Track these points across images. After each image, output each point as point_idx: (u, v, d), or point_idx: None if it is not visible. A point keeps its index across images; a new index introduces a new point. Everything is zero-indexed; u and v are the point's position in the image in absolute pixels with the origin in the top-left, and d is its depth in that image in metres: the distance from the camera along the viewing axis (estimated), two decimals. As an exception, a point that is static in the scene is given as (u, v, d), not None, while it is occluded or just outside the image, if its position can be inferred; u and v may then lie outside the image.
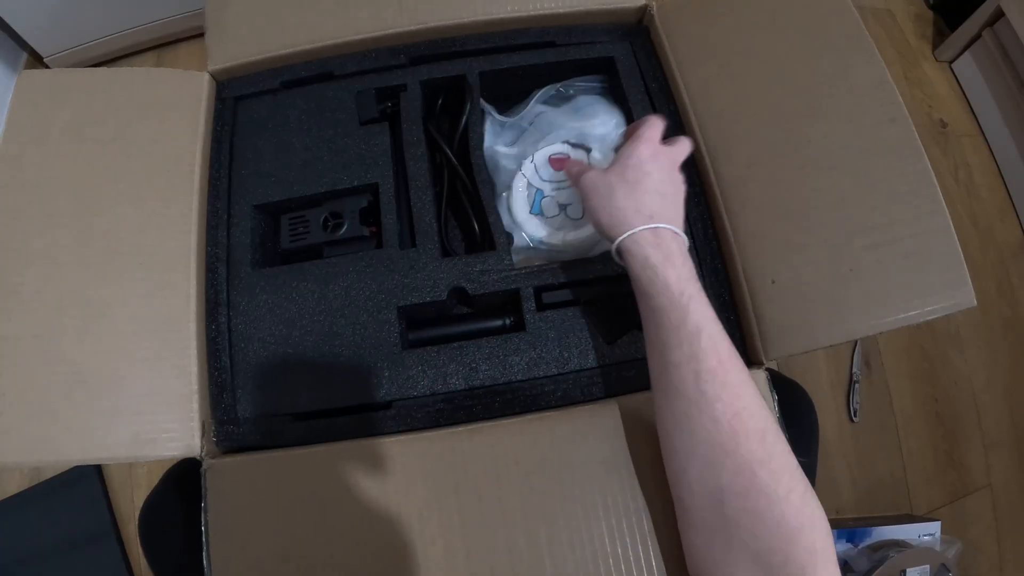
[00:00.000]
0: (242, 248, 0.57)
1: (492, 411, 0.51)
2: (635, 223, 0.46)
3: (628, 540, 0.47)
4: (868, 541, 1.02)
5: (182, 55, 1.37)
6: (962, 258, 0.50)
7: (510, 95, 0.65)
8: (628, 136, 0.54)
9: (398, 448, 0.48)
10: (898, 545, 0.99)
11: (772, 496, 0.37)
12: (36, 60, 1.30)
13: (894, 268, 0.50)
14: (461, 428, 0.48)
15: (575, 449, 0.48)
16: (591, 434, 0.48)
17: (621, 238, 0.46)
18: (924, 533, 1.02)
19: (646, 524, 0.47)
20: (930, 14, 1.40)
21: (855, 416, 1.15)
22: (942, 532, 1.03)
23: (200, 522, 0.48)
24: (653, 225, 0.45)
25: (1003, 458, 1.16)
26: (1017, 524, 1.14)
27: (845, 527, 1.03)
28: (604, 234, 0.48)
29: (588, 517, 0.47)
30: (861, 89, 0.55)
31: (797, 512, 0.37)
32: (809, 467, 0.62)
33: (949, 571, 0.97)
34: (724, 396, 0.39)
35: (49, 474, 1.12)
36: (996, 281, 1.20)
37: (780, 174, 0.54)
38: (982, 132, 1.32)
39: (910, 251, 0.51)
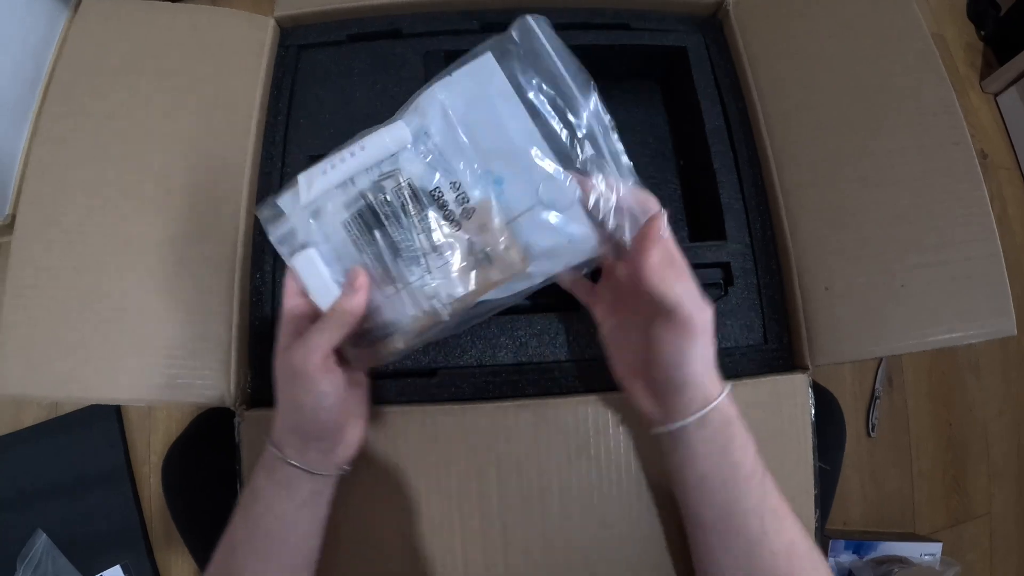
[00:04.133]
0: (294, 199, 0.56)
1: (539, 389, 0.50)
2: (719, 379, 0.41)
3: (662, 527, 0.47)
4: (873, 554, 1.05)
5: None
6: (1008, 287, 0.51)
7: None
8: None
9: (441, 417, 0.47)
10: (901, 561, 1.01)
11: None
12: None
13: (943, 289, 0.51)
14: (506, 403, 0.48)
15: (618, 435, 0.48)
16: (636, 421, 0.48)
17: (722, 397, 0.40)
18: (926, 553, 1.04)
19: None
20: (981, 44, 1.40)
21: (872, 431, 1.17)
22: (942, 553, 1.05)
23: (227, 473, 0.48)
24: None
25: (1005, 489, 1.18)
26: (1010, 555, 1.16)
27: (852, 539, 1.06)
28: (681, 384, 0.39)
29: (623, 501, 0.47)
30: (929, 110, 0.55)
31: None
32: (831, 476, 0.63)
33: (946, 592, 0.98)
34: (782, 530, 0.40)
35: (68, 409, 1.11)
36: (1018, 316, 1.20)
37: (843, 184, 0.54)
38: (1019, 167, 1.33)
39: (960, 274, 0.51)
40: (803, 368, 0.51)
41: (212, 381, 0.50)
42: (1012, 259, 1.25)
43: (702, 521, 0.42)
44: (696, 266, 0.53)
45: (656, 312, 0.38)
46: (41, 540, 1.03)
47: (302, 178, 0.40)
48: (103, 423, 1.11)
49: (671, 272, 0.38)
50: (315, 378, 0.38)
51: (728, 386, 0.41)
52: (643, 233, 0.38)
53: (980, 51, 1.39)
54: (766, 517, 0.40)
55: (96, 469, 1.08)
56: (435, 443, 0.47)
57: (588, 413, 0.48)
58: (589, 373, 0.51)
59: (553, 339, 0.52)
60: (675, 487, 0.43)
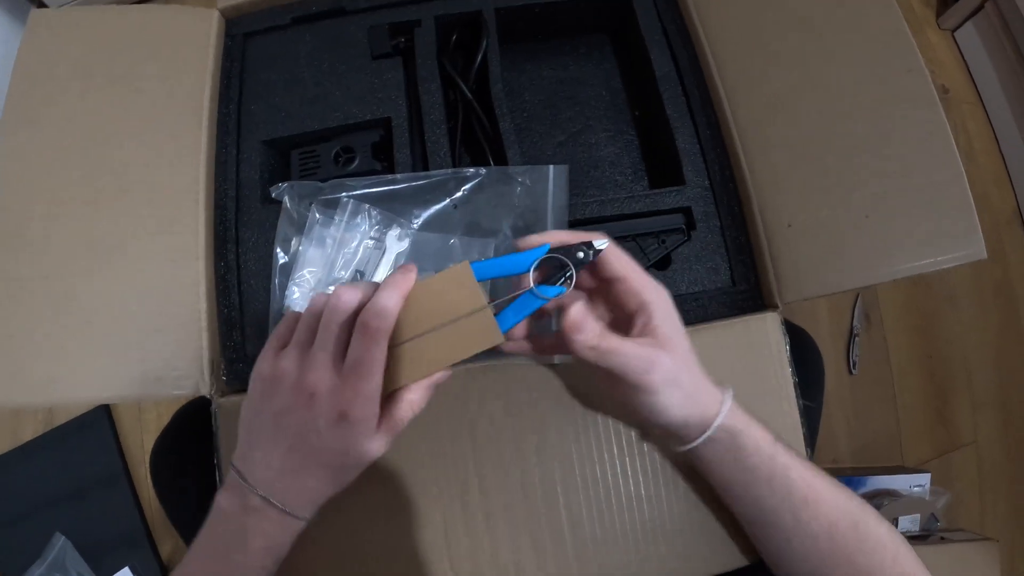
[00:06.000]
0: (251, 184, 0.56)
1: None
2: (716, 394, 0.40)
3: (641, 477, 0.47)
4: (863, 490, 1.06)
5: (189, -1, 1.34)
6: (974, 209, 0.50)
7: (525, 34, 0.64)
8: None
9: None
10: (891, 495, 1.03)
11: (871, 571, 0.40)
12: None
13: (909, 216, 0.51)
14: (477, 365, 0.48)
15: (592, 389, 0.48)
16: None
17: (721, 419, 0.39)
18: (915, 484, 1.06)
19: (659, 462, 0.47)
20: (935, -19, 1.40)
21: (854, 368, 1.18)
22: (931, 483, 1.07)
23: (211, 460, 0.48)
24: (729, 387, 0.41)
25: (989, 418, 1.20)
26: (998, 481, 1.18)
27: (842, 476, 1.07)
28: (683, 427, 0.39)
29: (603, 455, 0.47)
30: (879, 37, 0.55)
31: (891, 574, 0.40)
32: (815, 412, 0.63)
33: (937, 521, 1.00)
34: (818, 514, 0.40)
35: (61, 420, 1.14)
36: (990, 246, 1.20)
37: (797, 118, 0.54)
38: (981, 100, 1.34)
39: (924, 200, 0.51)
40: (773, 307, 0.51)
41: (186, 372, 0.50)
42: (979, 191, 1.27)
43: (738, 517, 0.44)
44: (657, 213, 0.54)
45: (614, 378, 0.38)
46: (60, 542, 1.06)
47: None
48: (96, 430, 1.13)
49: (607, 344, 0.36)
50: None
51: (727, 400, 0.40)
52: (568, 326, 0.36)
53: (935, -12, 1.40)
54: (797, 508, 0.40)
55: (95, 475, 1.11)
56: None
57: (560, 370, 0.48)
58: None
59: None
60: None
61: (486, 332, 0.35)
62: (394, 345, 0.35)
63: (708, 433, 0.39)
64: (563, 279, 0.37)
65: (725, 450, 0.40)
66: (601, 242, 0.37)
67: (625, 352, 0.36)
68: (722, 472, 0.41)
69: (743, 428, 0.40)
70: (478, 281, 0.36)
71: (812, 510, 0.40)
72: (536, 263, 0.37)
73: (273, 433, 0.35)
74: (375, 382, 0.34)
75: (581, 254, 0.37)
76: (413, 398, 0.36)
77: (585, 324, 0.37)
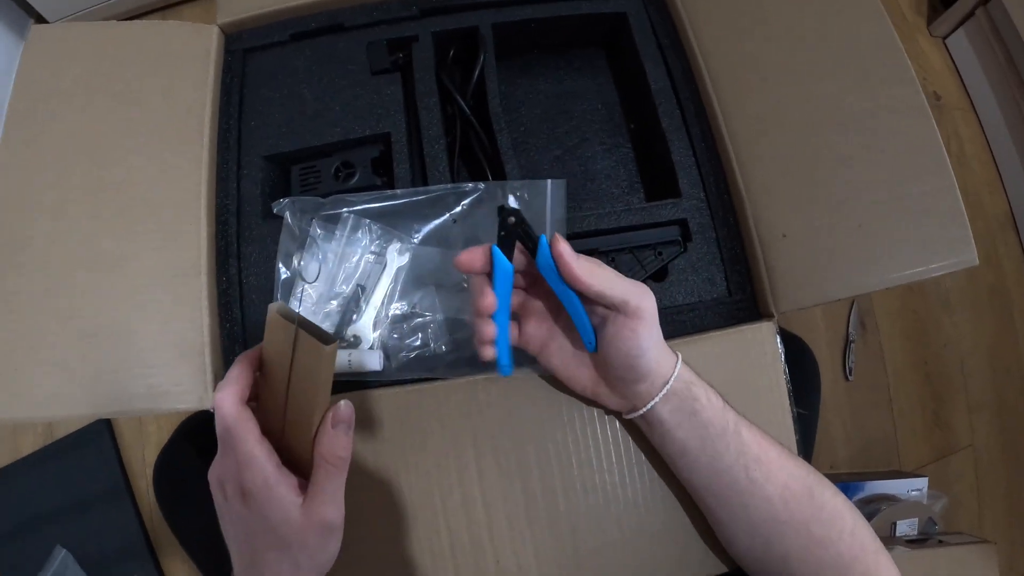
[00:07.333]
0: (252, 199, 0.56)
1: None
2: (669, 348, 0.43)
3: (639, 485, 0.48)
4: (861, 495, 1.07)
5: (186, 16, 1.36)
6: (966, 217, 0.51)
7: (522, 48, 0.65)
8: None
9: (415, 397, 0.48)
10: (888, 499, 1.03)
11: (827, 542, 0.41)
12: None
13: (901, 225, 0.51)
14: (478, 378, 0.49)
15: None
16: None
17: (678, 368, 0.42)
18: (912, 488, 1.06)
19: (656, 471, 0.48)
20: (926, -11, 1.42)
21: (850, 375, 1.19)
22: (929, 487, 1.07)
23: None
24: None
25: (985, 420, 1.21)
26: (996, 483, 1.19)
27: (839, 481, 1.07)
28: (645, 372, 0.42)
29: (601, 465, 0.48)
30: (869, 49, 0.56)
31: (849, 546, 0.41)
32: (810, 420, 0.64)
33: (935, 524, 1.01)
34: (771, 476, 0.41)
35: (62, 433, 1.14)
36: (984, 250, 1.24)
37: (791, 131, 0.54)
38: (973, 107, 1.35)
39: (916, 209, 0.51)
40: (768, 316, 0.52)
41: (189, 386, 0.50)
42: (974, 196, 1.28)
43: (696, 487, 0.44)
44: (653, 225, 0.55)
45: (604, 316, 0.41)
46: (61, 555, 1.06)
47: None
48: (97, 443, 1.13)
49: (601, 273, 0.40)
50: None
51: (678, 353, 0.43)
52: (558, 254, 0.39)
53: (926, -4, 1.42)
54: (750, 467, 0.41)
55: (96, 488, 1.11)
56: (411, 423, 0.48)
57: (558, 382, 0.48)
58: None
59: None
60: (669, 464, 0.46)
61: (314, 351, 0.33)
62: (279, 418, 0.36)
63: (672, 380, 0.41)
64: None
65: (682, 403, 0.42)
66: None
67: (624, 280, 0.40)
68: (679, 431, 0.42)
69: (696, 381, 0.43)
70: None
71: (765, 470, 0.41)
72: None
73: (225, 533, 0.38)
74: (243, 449, 0.34)
75: (512, 219, 0.40)
76: (323, 451, 0.36)
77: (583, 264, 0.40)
